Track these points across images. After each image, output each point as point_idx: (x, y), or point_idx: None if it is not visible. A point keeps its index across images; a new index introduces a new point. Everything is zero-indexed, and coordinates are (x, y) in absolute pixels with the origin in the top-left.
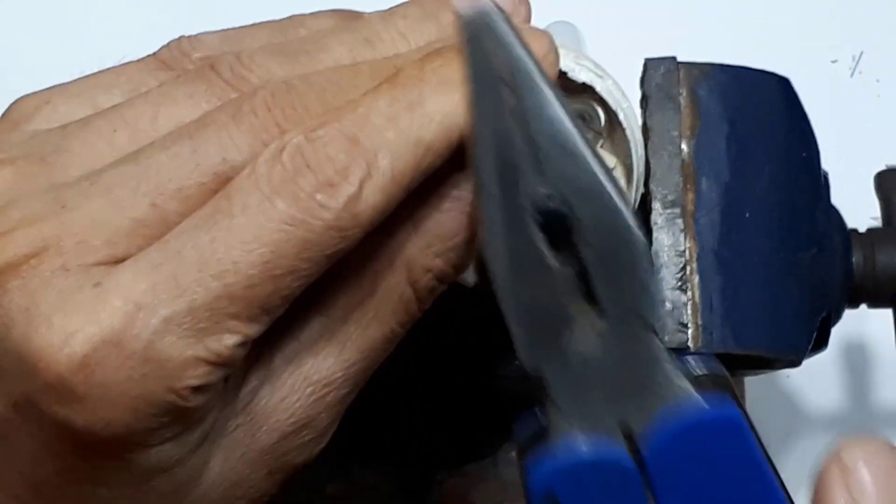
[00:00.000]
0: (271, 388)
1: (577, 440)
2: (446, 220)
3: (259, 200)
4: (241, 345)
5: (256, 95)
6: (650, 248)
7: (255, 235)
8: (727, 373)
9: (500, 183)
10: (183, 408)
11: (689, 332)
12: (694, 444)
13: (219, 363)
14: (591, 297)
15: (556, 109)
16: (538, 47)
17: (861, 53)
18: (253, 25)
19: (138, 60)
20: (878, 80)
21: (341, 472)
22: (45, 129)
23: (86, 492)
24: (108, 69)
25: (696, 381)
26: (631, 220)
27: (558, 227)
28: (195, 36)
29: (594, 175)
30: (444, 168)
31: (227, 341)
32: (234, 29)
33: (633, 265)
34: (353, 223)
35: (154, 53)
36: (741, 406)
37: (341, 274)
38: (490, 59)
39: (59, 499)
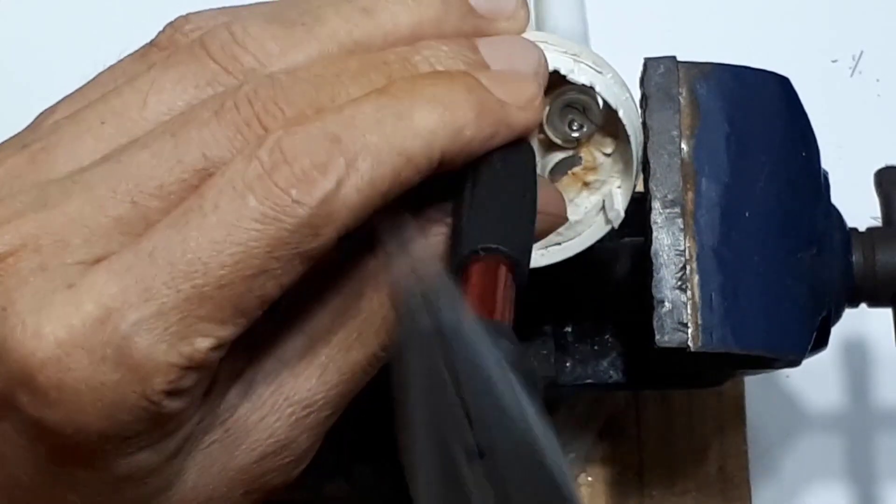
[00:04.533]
0: (251, 405)
1: None
2: (430, 242)
3: (231, 198)
4: (215, 348)
5: (240, 91)
6: (651, 249)
7: (225, 234)
8: None
9: (431, 431)
10: (157, 414)
11: (689, 331)
12: None
13: (192, 367)
14: None
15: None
16: (528, 63)
17: (861, 53)
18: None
19: (134, 51)
20: (877, 80)
21: (341, 472)
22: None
23: (54, 496)
24: (107, 68)
25: None
26: (564, 482)
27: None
28: (190, 13)
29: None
30: (431, 192)
31: (200, 345)
32: (232, 7)
33: None
34: (327, 222)
35: (150, 41)
36: None
37: (325, 295)
38: (422, 323)
39: (24, 501)
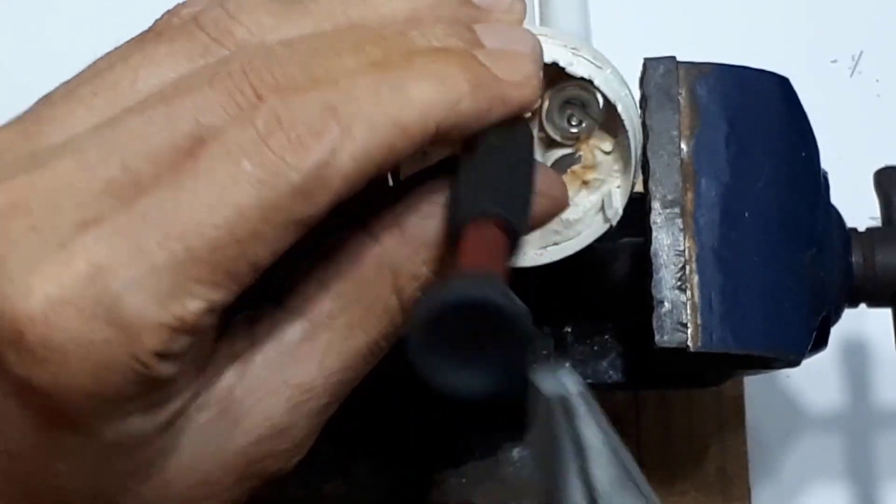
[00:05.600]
0: (249, 387)
1: None
2: (433, 227)
3: (226, 162)
4: (206, 311)
5: (234, 59)
6: (651, 249)
7: (219, 197)
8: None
9: None
10: (147, 377)
11: (689, 331)
12: None
13: (182, 329)
14: None
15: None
16: (524, 44)
17: (861, 53)
18: None
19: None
20: (877, 80)
21: (340, 472)
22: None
23: (41, 464)
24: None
25: None
26: None
27: None
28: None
29: None
30: (433, 175)
31: (191, 306)
32: None
33: None
34: (320, 188)
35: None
36: None
37: (327, 279)
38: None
39: (11, 470)
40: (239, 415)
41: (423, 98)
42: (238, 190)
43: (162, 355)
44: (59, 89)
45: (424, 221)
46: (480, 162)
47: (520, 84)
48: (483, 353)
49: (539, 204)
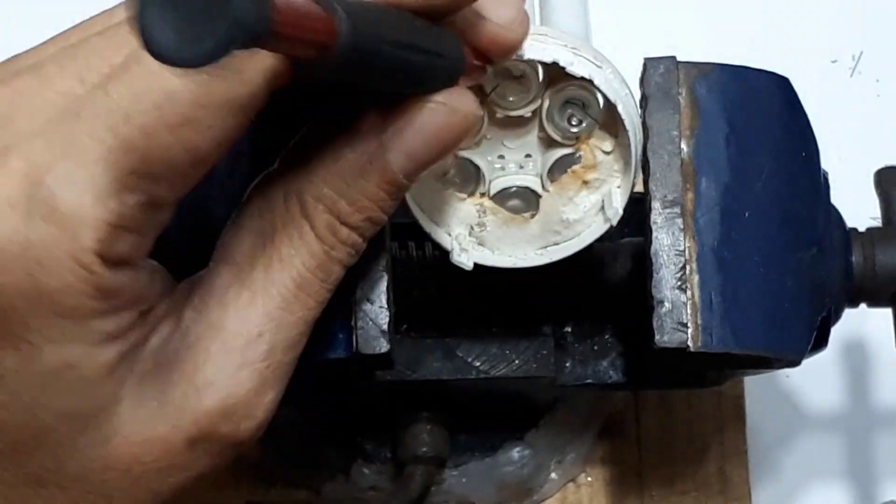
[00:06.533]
0: (182, 338)
1: None
2: (332, 151)
3: None
4: (147, 207)
5: None
6: (651, 249)
7: (147, 84)
8: None
9: None
10: (90, 283)
11: (689, 331)
12: None
13: (121, 225)
14: None
15: None
16: (505, 13)
17: (861, 53)
18: None
19: None
20: (877, 80)
21: (341, 472)
22: None
23: None
24: None
25: None
26: None
27: None
28: None
29: None
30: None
31: (129, 200)
32: None
33: None
34: (251, 66)
35: None
36: None
37: (242, 222)
38: None
39: None
40: (175, 366)
41: None
42: (165, 75)
43: (104, 257)
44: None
45: (322, 146)
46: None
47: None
48: (201, 19)
49: (439, 114)
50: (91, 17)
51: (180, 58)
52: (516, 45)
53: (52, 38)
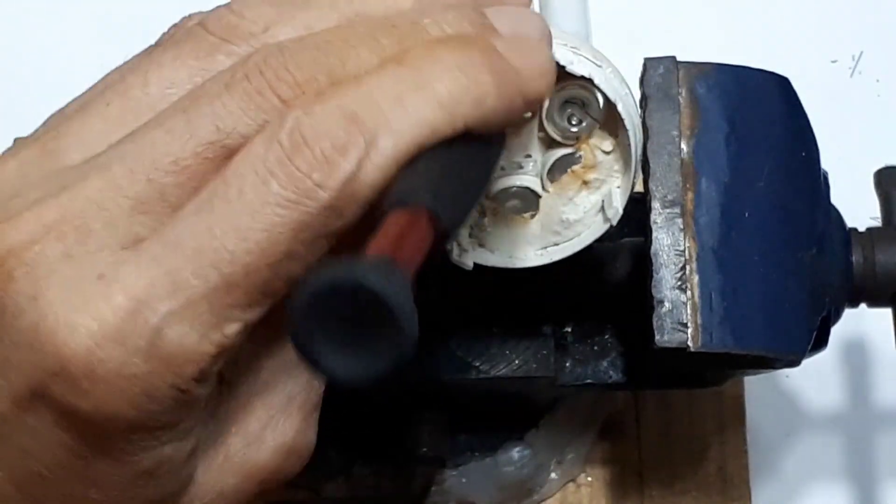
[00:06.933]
0: (230, 392)
1: None
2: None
3: (254, 184)
4: (244, 331)
5: (249, 60)
6: (651, 249)
7: (250, 221)
8: None
9: None
10: (184, 402)
11: (689, 331)
12: None
13: (221, 354)
14: None
15: None
16: (535, 29)
17: (861, 53)
18: None
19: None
20: (877, 80)
21: (341, 472)
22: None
23: (73, 491)
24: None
25: None
26: None
27: None
28: (194, 13)
29: None
30: None
31: (228, 330)
32: None
33: None
34: (350, 202)
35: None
36: None
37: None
38: None
39: (43, 494)
40: (231, 421)
41: (449, 95)
42: (268, 212)
43: (200, 380)
44: (72, 103)
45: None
46: (441, 153)
47: (537, 75)
48: (364, 341)
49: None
50: (118, 73)
51: (349, 381)
52: (543, 97)
53: (83, 104)
